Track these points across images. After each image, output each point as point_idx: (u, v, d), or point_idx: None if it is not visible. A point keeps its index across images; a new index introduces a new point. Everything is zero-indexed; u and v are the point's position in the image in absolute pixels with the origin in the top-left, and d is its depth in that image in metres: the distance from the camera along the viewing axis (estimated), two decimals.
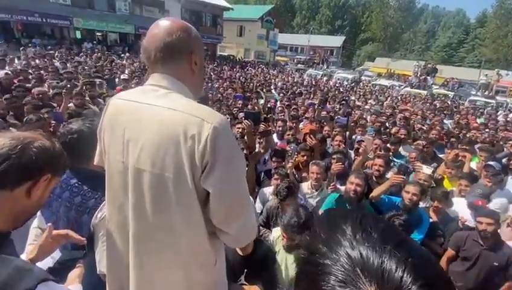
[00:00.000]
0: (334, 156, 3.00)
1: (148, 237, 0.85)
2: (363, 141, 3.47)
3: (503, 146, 5.19)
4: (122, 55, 15.10)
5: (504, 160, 3.86)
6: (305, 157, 3.04)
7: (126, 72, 9.28)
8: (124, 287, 0.93)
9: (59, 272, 0.94)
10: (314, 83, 14.71)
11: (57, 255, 1.02)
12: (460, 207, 2.79)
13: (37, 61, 8.69)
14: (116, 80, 7.62)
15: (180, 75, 0.87)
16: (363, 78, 22.10)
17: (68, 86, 4.56)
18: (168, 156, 0.78)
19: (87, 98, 4.46)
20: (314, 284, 0.32)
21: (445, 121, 7.83)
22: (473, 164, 3.75)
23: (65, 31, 17.67)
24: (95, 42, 17.52)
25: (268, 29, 32.39)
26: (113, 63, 11.18)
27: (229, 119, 4.37)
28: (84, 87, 4.91)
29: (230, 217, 0.84)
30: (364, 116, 6.37)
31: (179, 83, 0.86)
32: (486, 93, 19.71)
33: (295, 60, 34.58)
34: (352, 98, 10.47)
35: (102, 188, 1.12)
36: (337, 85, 15.00)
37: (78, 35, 18.39)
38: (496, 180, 2.98)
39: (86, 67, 8.53)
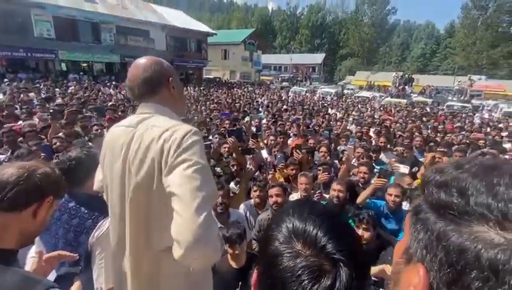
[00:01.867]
0: (320, 167, 3.16)
1: (144, 244, 0.94)
2: (343, 151, 3.66)
3: (479, 146, 5.49)
4: (109, 83, 15.29)
5: None
6: (293, 171, 3.18)
7: (113, 100, 9.41)
8: None
9: (59, 285, 1.01)
10: (299, 100, 15.19)
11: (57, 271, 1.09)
12: None
13: (22, 95, 8.73)
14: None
15: (163, 100, 1.04)
16: (345, 91, 22.96)
17: (51, 110, 4.59)
18: (145, 165, 0.89)
19: (79, 129, 4.52)
20: (266, 249, 0.46)
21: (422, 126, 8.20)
22: None
23: (50, 64, 17.82)
24: (81, 73, 17.71)
25: (252, 51, 33.65)
26: (100, 93, 11.31)
27: (217, 139, 4.55)
28: (73, 117, 4.97)
29: (185, 217, 0.76)
30: (348, 128, 6.65)
31: (162, 107, 1.02)
32: (462, 98, 20.82)
33: (279, 79, 35.71)
34: (333, 111, 10.87)
35: (98, 210, 1.22)
36: (320, 101, 15.52)
37: (63, 67, 18.56)
38: None
39: (74, 99, 8.61)
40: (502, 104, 16.84)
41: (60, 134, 3.95)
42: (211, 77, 28.54)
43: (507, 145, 5.93)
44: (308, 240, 0.43)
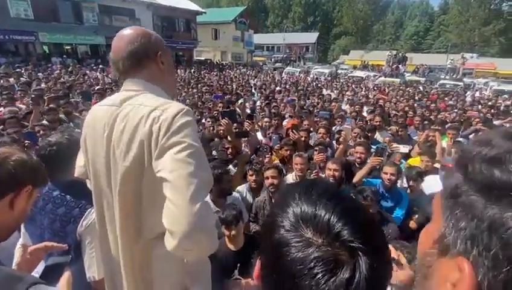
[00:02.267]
0: (317, 148, 3.12)
1: (136, 229, 0.88)
2: (341, 131, 3.61)
3: (471, 123, 5.54)
4: (95, 67, 14.67)
5: (471, 136, 4.14)
6: (288, 152, 3.13)
7: (100, 84, 9.05)
8: (117, 285, 0.96)
9: (48, 277, 0.95)
10: (293, 81, 14.96)
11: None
12: (427, 183, 2.97)
13: (2, 81, 8.29)
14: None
15: (151, 77, 0.93)
16: (339, 71, 22.69)
17: (33, 96, 4.40)
18: (133, 148, 0.81)
19: (62, 115, 4.33)
20: (270, 237, 0.40)
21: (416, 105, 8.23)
22: (444, 143, 4.00)
23: (30, 46, 16.88)
24: (64, 56, 16.89)
25: (243, 30, 32.53)
26: (86, 77, 10.86)
27: (210, 122, 4.43)
28: (55, 103, 4.74)
29: (179, 206, 0.70)
30: (342, 108, 6.59)
31: (150, 84, 0.92)
32: (454, 76, 20.87)
33: (272, 59, 34.93)
34: (328, 91, 10.75)
35: (85, 197, 1.14)
36: (314, 81, 15.31)
37: (45, 50, 17.66)
38: None
39: (58, 84, 8.24)
40: (492, 82, 17.11)
41: (44, 121, 3.78)
42: (202, 58, 27.68)
43: (496, 122, 6.02)
44: (319, 226, 0.37)
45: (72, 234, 1.11)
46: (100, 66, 14.83)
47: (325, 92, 10.58)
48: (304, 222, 0.38)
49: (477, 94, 14.24)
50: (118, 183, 0.84)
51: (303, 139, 3.45)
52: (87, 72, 12.69)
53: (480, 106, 9.01)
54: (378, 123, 4.48)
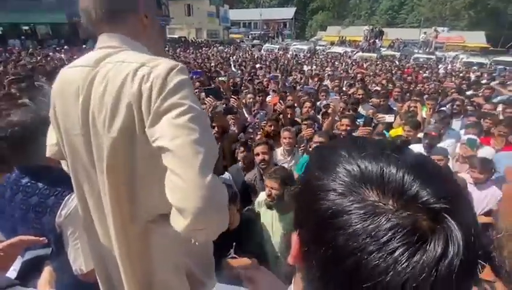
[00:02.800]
0: (305, 122, 3.07)
1: (130, 211, 0.76)
2: (329, 105, 3.57)
3: (447, 93, 5.77)
4: (58, 48, 13.42)
5: (448, 106, 4.30)
6: (272, 127, 3.06)
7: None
8: (112, 275, 0.87)
9: (27, 274, 0.84)
10: (272, 58, 14.68)
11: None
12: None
13: None
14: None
15: (131, 31, 0.76)
16: (317, 48, 22.52)
17: None
18: (119, 114, 0.66)
19: (26, 100, 3.90)
20: (314, 205, 0.31)
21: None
22: (423, 113, 4.13)
23: None
24: (22, 38, 15.28)
25: (218, 5, 30.96)
26: (49, 58, 9.92)
27: None
28: (13, 87, 4.26)
29: (188, 180, 0.59)
30: (324, 84, 6.57)
31: (131, 40, 0.75)
32: (427, 50, 21.48)
33: (250, 36, 33.86)
34: (308, 68, 10.68)
35: (61, 183, 1.00)
36: (294, 58, 15.10)
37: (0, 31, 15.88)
38: (445, 122, 3.36)
39: (18, 67, 7.44)
40: (462, 55, 17.91)
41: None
42: (175, 36, 26.18)
43: (468, 92, 6.33)
44: (389, 187, 0.28)
45: (50, 225, 0.98)
46: (65, 46, 13.57)
47: (306, 68, 10.50)
48: (365, 182, 0.29)
49: (449, 67, 14.82)
50: (105, 159, 0.70)
51: (288, 115, 3.40)
52: (50, 53, 11.59)
53: (453, 78, 9.40)
54: (361, 96, 4.51)
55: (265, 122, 3.22)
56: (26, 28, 16.81)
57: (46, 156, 0.89)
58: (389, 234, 0.26)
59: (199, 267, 0.91)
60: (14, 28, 16.14)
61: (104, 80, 0.68)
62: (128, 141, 0.68)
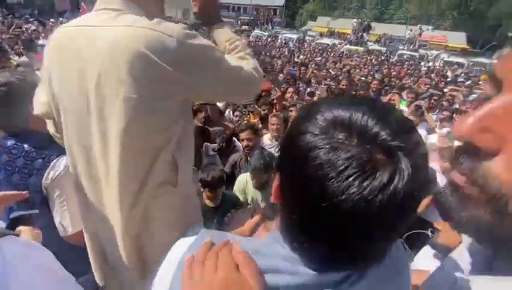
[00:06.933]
0: (292, 108, 3.14)
1: (141, 179, 0.77)
2: (314, 92, 3.66)
3: (427, 89, 6.10)
4: (31, 19, 12.43)
5: (426, 99, 4.57)
6: (265, 111, 3.11)
7: (41, 38, 7.74)
8: (102, 240, 0.89)
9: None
10: (261, 45, 14.52)
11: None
12: None
13: None
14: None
15: None
16: (306, 38, 22.45)
17: None
18: (132, 74, 0.67)
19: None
20: (293, 145, 0.36)
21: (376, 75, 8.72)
22: (403, 107, 4.36)
23: None
24: None
25: None
26: (24, 28, 9.20)
27: None
28: None
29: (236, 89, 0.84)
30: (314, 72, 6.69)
31: (132, 4, 0.75)
32: (411, 47, 22.05)
33: (239, 22, 33.03)
34: (301, 57, 10.73)
35: (48, 147, 1.01)
36: (283, 47, 15.00)
37: None
38: (419, 113, 3.61)
39: None
40: (443, 54, 18.54)
41: None
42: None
43: (446, 89, 6.70)
44: (354, 127, 0.33)
45: (36, 186, 0.99)
46: (39, 19, 12.56)
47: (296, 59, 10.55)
48: (335, 125, 0.34)
49: (430, 64, 15.36)
50: (119, 122, 0.69)
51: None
52: (23, 24, 10.72)
53: (433, 75, 9.84)
54: (344, 87, 4.65)
55: (254, 106, 3.26)
56: None
57: (34, 113, 0.87)
58: (346, 164, 0.31)
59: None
60: None
61: (110, 38, 0.68)
62: (147, 103, 0.69)
